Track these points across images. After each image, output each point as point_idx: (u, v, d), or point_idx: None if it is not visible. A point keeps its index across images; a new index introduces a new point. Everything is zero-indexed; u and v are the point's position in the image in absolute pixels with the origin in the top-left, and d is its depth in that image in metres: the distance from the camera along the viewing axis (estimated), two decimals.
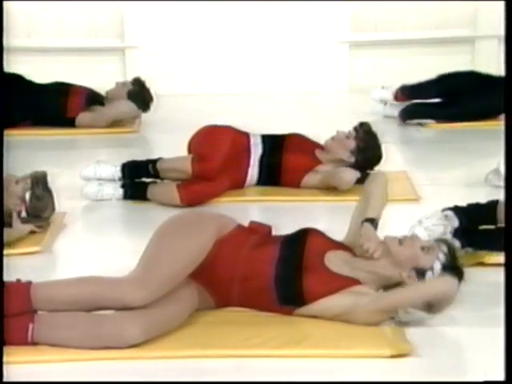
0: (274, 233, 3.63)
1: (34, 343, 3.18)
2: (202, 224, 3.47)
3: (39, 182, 4.47)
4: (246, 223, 4.75)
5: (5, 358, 3.09)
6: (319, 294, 3.34)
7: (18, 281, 3.27)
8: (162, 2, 8.20)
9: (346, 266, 3.43)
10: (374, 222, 3.62)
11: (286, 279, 3.37)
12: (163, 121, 7.15)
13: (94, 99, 6.88)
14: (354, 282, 3.38)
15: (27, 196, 4.43)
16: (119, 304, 3.17)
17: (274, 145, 5.22)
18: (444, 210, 4.16)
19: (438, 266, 3.37)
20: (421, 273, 3.37)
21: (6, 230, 4.30)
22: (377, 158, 5.26)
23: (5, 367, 3.07)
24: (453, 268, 3.39)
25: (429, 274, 3.37)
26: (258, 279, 3.38)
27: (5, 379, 3.06)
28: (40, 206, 4.46)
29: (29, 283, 3.25)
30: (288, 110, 7.86)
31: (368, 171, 5.18)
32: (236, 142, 5.15)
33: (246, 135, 5.24)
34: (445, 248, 3.42)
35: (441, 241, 3.49)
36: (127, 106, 6.82)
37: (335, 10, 8.25)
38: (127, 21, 8.28)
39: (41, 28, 8.36)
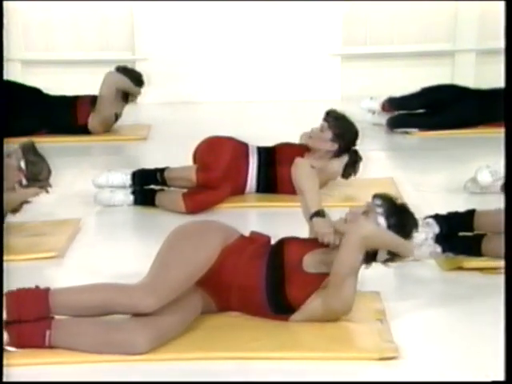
0: (272, 241, 3.59)
1: (51, 347, 3.16)
2: (209, 234, 3.45)
3: (29, 150, 4.42)
4: (246, 228, 4.84)
5: (21, 360, 3.12)
6: (302, 298, 3.34)
7: (37, 287, 3.25)
8: (170, 19, 8.19)
9: (322, 264, 3.38)
10: (319, 213, 3.58)
11: (273, 292, 3.36)
12: (170, 128, 7.15)
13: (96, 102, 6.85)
14: (326, 276, 3.33)
15: (22, 164, 4.36)
16: (131, 310, 3.17)
17: (267, 158, 5.20)
18: (426, 217, 4.14)
19: (382, 221, 3.30)
20: None
21: (10, 195, 4.31)
22: (355, 134, 5.22)
23: (18, 369, 3.09)
24: (396, 212, 3.33)
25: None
26: (253, 292, 3.38)
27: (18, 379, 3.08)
28: (36, 170, 4.38)
29: (47, 290, 3.23)
30: (285, 116, 7.85)
31: (353, 149, 5.22)
32: (236, 152, 5.14)
33: (245, 145, 5.22)
34: (378, 201, 3.34)
35: (374, 197, 3.39)
36: (117, 76, 6.79)
37: (328, 25, 8.24)
38: (137, 35, 8.28)
39: (58, 42, 8.33)
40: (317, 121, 7.67)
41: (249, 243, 3.52)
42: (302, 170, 3.77)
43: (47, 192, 4.43)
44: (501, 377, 3.00)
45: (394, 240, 3.30)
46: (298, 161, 3.87)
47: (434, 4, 8.27)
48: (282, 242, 3.53)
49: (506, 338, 2.78)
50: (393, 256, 3.33)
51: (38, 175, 4.39)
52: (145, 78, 6.88)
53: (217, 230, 3.49)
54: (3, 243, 3.83)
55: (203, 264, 3.34)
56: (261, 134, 7.10)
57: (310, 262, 3.39)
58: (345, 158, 5.14)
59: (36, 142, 6.45)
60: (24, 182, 4.36)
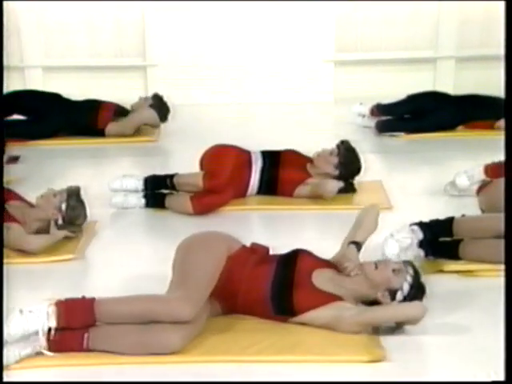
0: (271, 252, 3.61)
1: (89, 350, 3.18)
2: (216, 243, 3.49)
3: (73, 195, 4.46)
4: (247, 229, 4.85)
5: (62, 361, 3.16)
6: (306, 307, 3.36)
7: (83, 297, 3.27)
8: (179, 28, 8.17)
9: (331, 283, 3.43)
10: (358, 245, 3.63)
11: (279, 295, 3.38)
12: (179, 130, 7.09)
13: (120, 112, 6.84)
14: (336, 298, 3.39)
15: (63, 206, 4.40)
16: (170, 319, 3.17)
17: (272, 161, 5.20)
18: (411, 224, 4.15)
19: (406, 287, 3.38)
20: (392, 292, 3.38)
21: (44, 236, 4.37)
22: (357, 169, 5.26)
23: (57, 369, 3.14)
24: (418, 287, 3.41)
25: (399, 294, 3.38)
26: (258, 293, 3.40)
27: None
28: (74, 214, 4.44)
29: (92, 300, 3.24)
30: (282, 117, 7.82)
31: (350, 181, 5.26)
32: (239, 160, 5.13)
33: (248, 153, 5.21)
34: (411, 270, 3.42)
35: (408, 263, 3.48)
36: (149, 113, 6.79)
37: (322, 34, 8.21)
38: (148, 43, 8.23)
39: (75, 49, 8.29)
40: (311, 120, 7.80)
41: (251, 253, 3.54)
42: (374, 210, 3.87)
43: (77, 236, 4.45)
44: (490, 374, 3.09)
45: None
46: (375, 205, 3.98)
47: (417, 14, 8.25)
48: (297, 252, 3.55)
49: (505, 337, 2.78)
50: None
51: (74, 220, 4.45)
52: (171, 111, 6.91)
53: (221, 240, 3.53)
54: (3, 243, 3.91)
55: (217, 271, 3.38)
56: (261, 133, 7.18)
57: (319, 278, 3.43)
58: (340, 185, 5.11)
59: (56, 144, 6.59)
60: (60, 222, 4.39)
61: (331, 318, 3.32)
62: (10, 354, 3.11)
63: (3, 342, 3.03)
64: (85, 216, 4.52)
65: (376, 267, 3.43)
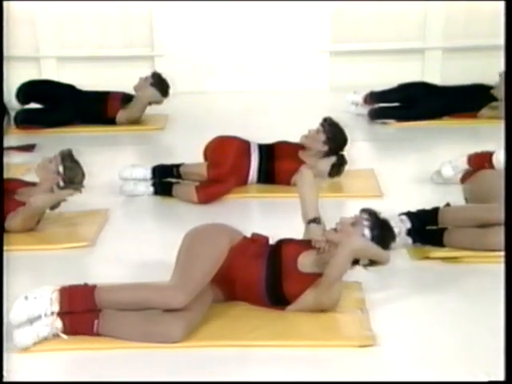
0: (271, 241, 3.60)
1: (98, 335, 3.21)
2: (219, 236, 3.47)
3: (67, 157, 4.42)
4: (248, 215, 4.87)
5: (75, 345, 3.19)
6: (296, 294, 3.38)
7: (85, 284, 3.29)
8: (185, 20, 8.14)
9: (314, 264, 3.40)
10: (315, 220, 3.64)
11: (271, 287, 3.39)
12: (184, 117, 7.10)
13: (127, 99, 6.82)
14: (318, 276, 3.36)
15: (61, 169, 4.37)
16: (163, 307, 3.21)
17: (267, 154, 5.20)
18: (400, 214, 4.18)
19: (367, 232, 3.35)
20: None
21: (49, 195, 4.37)
22: (343, 141, 5.22)
23: (69, 353, 3.16)
24: (379, 226, 3.38)
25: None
26: (254, 287, 3.41)
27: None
28: (72, 174, 4.40)
29: (94, 286, 3.26)
30: (281, 104, 7.81)
31: (340, 153, 5.23)
32: (240, 150, 5.14)
33: (247, 143, 5.22)
34: (365, 215, 3.38)
35: (361, 212, 3.43)
36: (151, 92, 6.74)
37: (319, 26, 8.20)
38: (156, 34, 8.21)
39: (87, 40, 8.27)
40: (308, 108, 7.80)
41: (251, 243, 3.54)
42: (305, 179, 3.81)
43: (80, 192, 4.45)
44: (472, 358, 3.12)
45: (376, 252, 3.35)
46: (303, 170, 3.89)
47: (407, 6, 8.21)
48: (281, 243, 3.54)
49: (505, 337, 2.73)
50: (373, 263, 3.38)
51: (73, 179, 4.40)
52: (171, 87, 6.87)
53: (224, 232, 3.52)
54: (3, 243, 3.88)
55: (217, 262, 3.37)
56: (261, 119, 7.19)
57: (304, 262, 3.41)
58: (332, 160, 5.14)
59: (70, 132, 6.61)
60: (61, 184, 4.38)
61: (315, 297, 3.33)
62: (26, 336, 3.14)
63: (3, 342, 3.01)
64: (82, 174, 4.47)
65: (336, 230, 3.39)
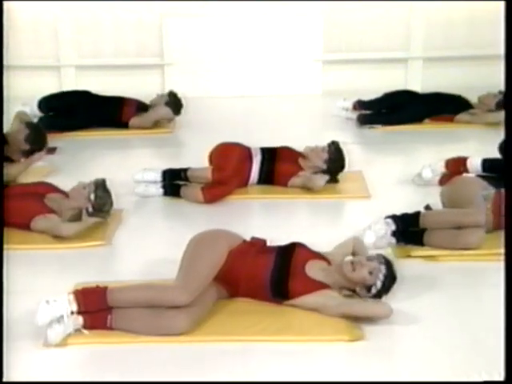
0: (268, 243, 3.62)
1: (111, 329, 3.24)
2: (219, 241, 3.50)
3: (100, 186, 4.45)
4: (249, 215, 4.87)
5: (95, 339, 3.21)
6: (299, 293, 3.40)
7: (98, 286, 3.33)
8: (192, 32, 8.09)
9: (321, 273, 3.45)
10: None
11: (277, 281, 3.42)
12: (192, 121, 7.03)
13: (141, 107, 6.79)
14: (325, 286, 3.42)
15: (92, 197, 4.39)
16: (169, 305, 3.23)
17: (269, 156, 5.19)
18: (386, 217, 4.18)
19: (379, 284, 3.40)
20: (368, 287, 3.42)
21: (77, 223, 4.36)
22: (342, 167, 5.24)
23: (90, 346, 3.18)
24: (388, 284, 3.43)
25: (373, 289, 3.41)
26: (259, 279, 3.43)
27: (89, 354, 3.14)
28: (102, 203, 4.42)
29: (105, 288, 3.30)
30: (278, 109, 7.74)
31: (334, 175, 5.23)
32: (242, 155, 5.14)
33: (248, 149, 5.20)
34: (384, 269, 3.42)
35: (382, 261, 3.46)
36: (165, 111, 6.75)
37: (312, 37, 8.15)
38: (165, 44, 8.14)
39: (102, 50, 8.22)
40: (303, 111, 7.81)
41: (250, 246, 3.56)
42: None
43: (105, 220, 4.46)
44: (449, 347, 3.13)
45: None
46: None
47: (392, 19, 8.16)
48: (294, 245, 3.56)
49: (505, 337, 2.68)
50: None
51: (102, 207, 4.43)
52: (184, 105, 6.84)
53: (224, 238, 3.54)
54: (3, 242, 3.87)
55: (217, 265, 3.40)
56: (261, 121, 7.15)
57: (312, 268, 3.45)
58: (326, 178, 5.12)
59: (87, 136, 6.59)
60: (90, 210, 4.39)
61: (318, 304, 3.37)
62: (56, 333, 3.18)
63: (3, 342, 3.00)
64: (111, 203, 4.51)
65: (353, 269, 3.42)
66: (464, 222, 4.05)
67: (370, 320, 3.34)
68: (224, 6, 8.02)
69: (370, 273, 3.41)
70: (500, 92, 6.55)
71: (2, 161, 4.95)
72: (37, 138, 5.43)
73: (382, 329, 3.33)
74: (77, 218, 4.41)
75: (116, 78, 7.97)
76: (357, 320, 3.34)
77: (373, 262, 3.44)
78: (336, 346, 3.20)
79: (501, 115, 6.42)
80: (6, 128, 5.71)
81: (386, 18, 8.18)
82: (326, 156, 5.17)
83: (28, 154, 5.38)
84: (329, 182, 5.17)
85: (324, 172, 5.16)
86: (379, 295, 3.43)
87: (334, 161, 5.17)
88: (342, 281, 3.45)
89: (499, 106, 6.48)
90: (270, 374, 3.03)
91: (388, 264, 3.46)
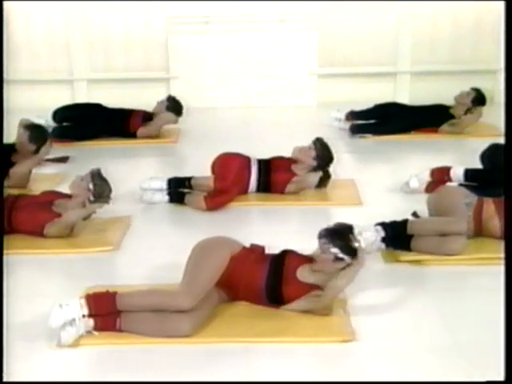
0: (267, 250, 3.59)
1: (120, 331, 3.23)
2: (221, 248, 3.47)
3: (96, 175, 4.41)
4: (248, 220, 4.86)
5: (104, 340, 3.19)
6: (292, 297, 3.39)
7: (107, 291, 3.32)
8: (195, 47, 8.09)
9: (312, 275, 3.42)
10: None
11: (272, 289, 3.40)
12: (195, 130, 7.03)
13: (147, 118, 6.78)
14: (315, 287, 3.38)
15: (91, 186, 4.37)
16: (174, 309, 3.22)
17: (265, 167, 5.17)
18: (376, 224, 4.17)
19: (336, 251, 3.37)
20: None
21: (81, 210, 4.36)
22: (330, 159, 5.20)
23: (100, 346, 3.16)
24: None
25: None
26: (255, 287, 3.42)
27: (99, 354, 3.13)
28: (100, 190, 4.38)
29: (114, 293, 3.29)
30: (276, 118, 7.74)
31: (326, 169, 5.21)
32: (241, 165, 5.12)
33: (247, 159, 5.18)
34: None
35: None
36: (168, 116, 6.73)
37: (308, 53, 8.15)
38: (171, 59, 8.14)
39: (112, 64, 8.22)
40: (299, 121, 7.80)
41: (250, 252, 3.53)
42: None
43: (108, 204, 4.44)
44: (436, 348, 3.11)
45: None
46: None
47: (381, 36, 8.16)
48: (285, 253, 3.53)
49: (505, 338, 2.61)
50: None
51: (102, 194, 4.39)
52: (184, 107, 6.84)
53: (225, 245, 3.51)
54: (3, 242, 3.85)
55: (219, 271, 3.38)
56: (260, 130, 7.17)
57: (303, 272, 3.42)
58: (319, 174, 5.12)
59: (97, 145, 6.57)
60: (92, 198, 4.37)
61: (309, 306, 3.36)
62: (68, 335, 3.18)
63: (3, 341, 2.96)
64: (109, 189, 4.45)
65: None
66: (448, 230, 4.05)
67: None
68: (225, 24, 8.03)
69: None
70: (472, 89, 6.67)
71: (2, 168, 4.94)
72: (38, 135, 5.41)
73: (373, 330, 3.33)
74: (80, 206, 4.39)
75: (125, 91, 7.97)
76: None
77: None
78: (330, 347, 3.19)
79: (475, 116, 6.57)
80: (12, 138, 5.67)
81: (376, 36, 8.18)
82: (313, 153, 5.14)
83: (36, 153, 5.39)
84: (323, 178, 5.14)
85: (315, 169, 5.13)
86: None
87: (322, 156, 5.14)
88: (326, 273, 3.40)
89: (474, 101, 6.60)
90: (268, 373, 3.02)
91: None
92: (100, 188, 4.38)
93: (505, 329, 2.63)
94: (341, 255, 3.34)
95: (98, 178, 4.40)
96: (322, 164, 5.15)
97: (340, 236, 3.38)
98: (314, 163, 5.14)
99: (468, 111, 6.63)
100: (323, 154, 5.15)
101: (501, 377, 2.72)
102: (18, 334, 3.29)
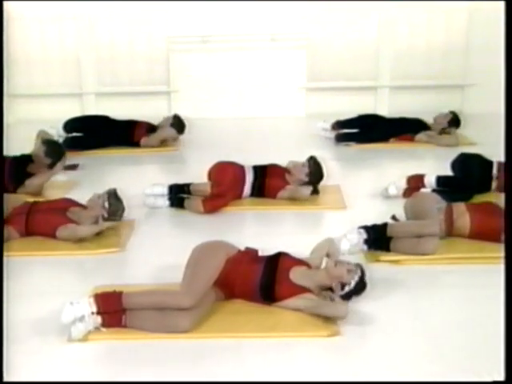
0: (260, 253, 3.56)
1: (126, 327, 3.22)
2: (217, 251, 3.47)
3: (112, 195, 4.43)
4: (243, 224, 4.85)
5: (111, 335, 3.17)
6: (284, 296, 3.38)
7: (114, 291, 3.31)
8: (194, 63, 8.09)
9: (303, 278, 3.41)
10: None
11: (265, 287, 3.39)
12: (195, 140, 7.01)
13: (150, 128, 6.77)
14: (306, 290, 3.39)
15: (106, 205, 4.38)
16: (175, 307, 3.21)
17: (260, 173, 5.16)
18: (359, 227, 4.17)
19: (353, 284, 3.39)
20: (342, 285, 3.40)
21: (93, 225, 4.35)
22: (321, 177, 5.22)
23: (108, 341, 3.14)
24: (360, 286, 3.42)
25: (346, 287, 3.39)
26: (250, 286, 3.41)
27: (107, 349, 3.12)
28: (114, 209, 4.40)
29: (120, 292, 3.29)
30: (268, 128, 7.76)
31: (316, 185, 5.20)
32: (236, 172, 5.11)
33: (242, 167, 5.17)
34: (359, 273, 3.41)
35: (359, 267, 3.46)
36: (170, 131, 6.73)
37: (297, 68, 8.17)
38: (172, 74, 8.15)
39: (118, 79, 8.22)
40: (289, 131, 7.81)
41: (244, 255, 3.52)
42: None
43: (119, 222, 4.45)
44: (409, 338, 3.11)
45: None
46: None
47: (363, 54, 8.18)
48: (279, 255, 3.51)
49: (505, 337, 2.53)
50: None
51: (115, 213, 4.41)
52: (186, 125, 6.80)
53: (222, 248, 3.50)
54: (3, 243, 3.83)
55: (216, 272, 3.38)
56: (254, 139, 7.17)
57: (295, 274, 3.41)
58: (310, 188, 5.10)
59: (105, 154, 6.55)
60: (105, 215, 4.38)
61: (300, 306, 3.36)
62: (78, 330, 3.17)
63: (3, 341, 2.87)
64: (123, 209, 4.47)
65: (335, 264, 3.42)
66: (422, 232, 4.07)
67: (331, 319, 3.30)
68: (221, 43, 8.03)
69: (349, 271, 3.38)
70: (450, 112, 6.74)
71: (1, 172, 4.92)
72: (54, 151, 5.41)
73: (355, 326, 3.32)
74: (95, 222, 4.40)
75: (130, 103, 7.99)
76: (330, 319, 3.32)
77: (351, 265, 3.43)
78: (316, 341, 3.19)
79: (453, 139, 6.59)
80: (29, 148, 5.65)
81: (359, 54, 8.20)
82: (306, 170, 5.14)
83: (51, 166, 5.38)
84: (312, 191, 5.15)
85: (307, 183, 5.13)
86: (349, 295, 3.39)
87: (315, 173, 5.15)
88: (322, 279, 3.40)
89: (451, 123, 6.67)
90: (261, 366, 3.02)
91: (363, 271, 3.45)
92: (114, 207, 4.39)
93: (505, 329, 2.56)
94: (352, 285, 3.37)
95: (113, 197, 4.41)
96: (313, 181, 5.15)
97: (363, 283, 3.41)
98: (306, 179, 5.14)
99: (443, 130, 6.68)
100: (316, 172, 5.15)
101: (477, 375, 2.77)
102: (33, 328, 3.29)
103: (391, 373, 2.94)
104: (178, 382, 2.88)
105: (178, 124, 6.76)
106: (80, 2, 7.92)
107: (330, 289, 3.43)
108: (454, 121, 6.70)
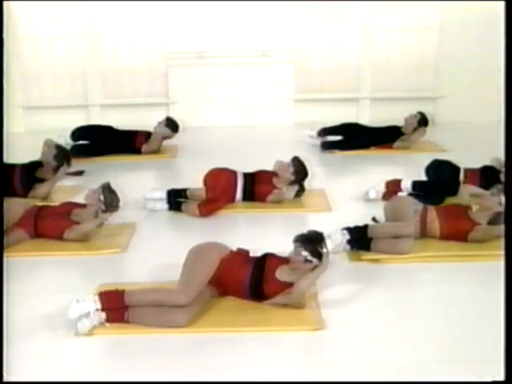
0: (251, 253, 3.55)
1: (128, 322, 3.21)
2: (212, 251, 3.45)
3: (106, 189, 4.38)
4: (236, 225, 4.83)
5: (115, 330, 3.16)
6: (272, 294, 3.37)
7: (117, 289, 3.29)
8: (190, 77, 8.06)
9: (288, 275, 3.39)
10: None
11: (254, 286, 3.38)
12: (190, 148, 6.99)
13: (149, 136, 6.71)
14: (292, 285, 3.36)
15: (102, 198, 4.34)
16: (173, 304, 3.20)
17: (250, 180, 5.14)
18: (342, 229, 4.17)
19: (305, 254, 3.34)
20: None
21: (93, 220, 4.31)
22: (305, 175, 5.16)
23: (111, 335, 3.13)
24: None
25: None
26: (240, 285, 3.40)
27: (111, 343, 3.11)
28: (109, 201, 4.34)
29: (123, 290, 3.27)
30: (259, 136, 7.73)
31: (302, 183, 5.18)
32: (229, 178, 5.09)
33: (234, 173, 5.15)
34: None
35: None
36: (164, 130, 6.67)
37: (285, 82, 8.16)
38: (170, 86, 8.12)
39: (122, 91, 8.19)
40: (278, 138, 7.80)
41: (236, 255, 3.50)
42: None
43: (117, 211, 4.42)
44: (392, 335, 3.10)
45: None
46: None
47: (345, 67, 8.18)
48: (266, 256, 3.49)
49: (505, 338, 2.40)
50: None
51: (111, 204, 4.36)
52: (180, 125, 6.76)
53: (216, 249, 3.48)
54: (3, 243, 3.80)
55: (210, 271, 3.36)
56: (245, 145, 7.13)
57: (282, 272, 3.39)
58: (296, 188, 5.10)
59: (108, 160, 6.52)
60: (103, 208, 4.35)
61: (284, 301, 3.35)
62: (84, 325, 3.16)
63: (3, 341, 2.80)
64: (118, 199, 4.40)
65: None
66: (399, 232, 4.08)
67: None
68: (215, 58, 8.01)
69: (298, 255, 3.34)
70: (418, 112, 6.80)
71: (1, 174, 4.90)
72: (63, 155, 5.40)
73: (339, 319, 3.32)
74: (96, 216, 4.36)
75: (132, 114, 7.95)
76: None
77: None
78: (303, 334, 3.19)
79: (422, 133, 6.69)
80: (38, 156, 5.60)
81: (342, 68, 8.21)
82: (292, 169, 5.11)
83: (56, 169, 5.34)
84: (299, 191, 5.13)
85: (293, 182, 5.11)
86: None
87: (300, 172, 5.12)
88: (299, 273, 3.38)
89: (420, 122, 6.72)
90: (252, 356, 3.01)
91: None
92: (109, 199, 4.34)
93: (505, 329, 2.44)
94: (310, 258, 3.32)
95: (107, 190, 4.36)
96: (299, 178, 5.13)
97: (311, 241, 3.36)
98: (292, 178, 5.11)
99: (414, 130, 6.74)
100: (300, 170, 5.13)
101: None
102: (42, 323, 3.28)
103: (371, 363, 2.94)
104: (179, 382, 2.84)
105: (171, 124, 6.72)
106: (86, 22, 7.91)
107: None
108: (423, 120, 6.74)
